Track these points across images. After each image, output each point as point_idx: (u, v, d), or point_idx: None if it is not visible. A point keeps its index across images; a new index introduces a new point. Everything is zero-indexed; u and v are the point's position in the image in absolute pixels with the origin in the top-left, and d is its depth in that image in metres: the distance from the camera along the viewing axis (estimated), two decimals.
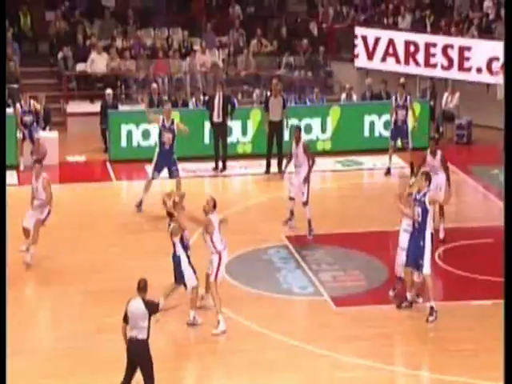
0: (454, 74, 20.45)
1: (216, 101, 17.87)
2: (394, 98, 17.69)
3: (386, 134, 18.22)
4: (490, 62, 20.06)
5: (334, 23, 23.59)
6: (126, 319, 9.21)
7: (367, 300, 12.30)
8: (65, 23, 22.62)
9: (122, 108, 20.09)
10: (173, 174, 15.56)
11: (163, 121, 15.49)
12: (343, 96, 20.08)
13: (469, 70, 20.37)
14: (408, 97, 17.73)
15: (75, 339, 10.89)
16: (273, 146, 17.84)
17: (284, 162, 17.02)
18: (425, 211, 11.57)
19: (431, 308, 11.54)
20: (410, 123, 17.71)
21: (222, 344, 11.12)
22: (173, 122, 15.54)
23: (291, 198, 14.53)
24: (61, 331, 11.27)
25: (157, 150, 15.61)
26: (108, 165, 18.43)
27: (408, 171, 17.67)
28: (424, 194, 11.65)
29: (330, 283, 12.73)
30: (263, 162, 18.30)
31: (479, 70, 20.17)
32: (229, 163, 18.15)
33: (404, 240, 11.87)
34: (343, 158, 18.35)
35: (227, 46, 22.77)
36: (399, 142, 17.68)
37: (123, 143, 18.60)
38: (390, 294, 12.20)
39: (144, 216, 15.15)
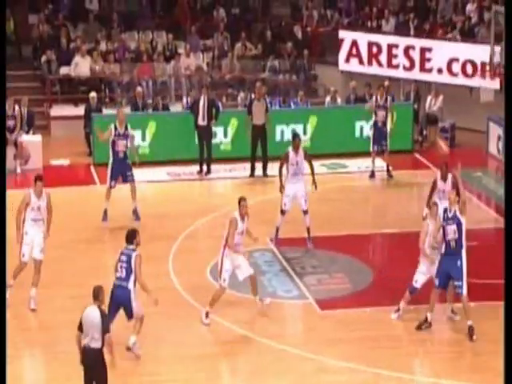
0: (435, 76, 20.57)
1: (201, 104, 17.86)
2: (374, 98, 17.71)
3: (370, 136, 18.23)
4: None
5: (319, 26, 23.64)
6: (80, 327, 9.04)
7: (352, 303, 12.32)
8: (48, 26, 22.55)
9: (106, 111, 20.04)
10: (127, 179, 15.13)
11: (116, 129, 14.98)
12: (327, 99, 20.12)
13: (452, 72, 20.48)
14: (389, 98, 17.78)
15: (67, 344, 10.80)
16: (257, 149, 17.83)
17: (267, 167, 17.11)
18: (460, 226, 11.20)
19: (470, 327, 11.21)
20: (389, 125, 17.75)
21: (207, 348, 11.10)
22: (127, 128, 15.11)
23: (283, 212, 14.07)
24: (52, 336, 11.22)
25: (110, 160, 15.04)
26: (92, 168, 18.39)
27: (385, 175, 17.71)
28: (455, 212, 11.22)
29: (315, 286, 12.75)
30: (248, 166, 18.32)
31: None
32: (213, 166, 18.14)
33: (430, 251, 11.46)
34: (328, 161, 18.38)
35: (212, 50, 22.76)
36: (379, 146, 17.67)
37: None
38: (392, 316, 11.75)
39: (127, 219, 15.09)
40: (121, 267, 10.55)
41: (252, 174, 17.80)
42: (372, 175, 17.72)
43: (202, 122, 17.91)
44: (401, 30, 22.16)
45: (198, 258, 13.67)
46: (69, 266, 13.40)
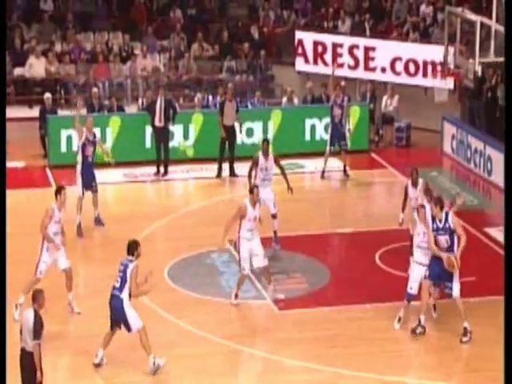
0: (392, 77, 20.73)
1: (158, 105, 17.79)
2: (332, 97, 17.77)
3: (327, 137, 18.31)
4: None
5: (275, 27, 23.71)
6: (21, 329, 8.99)
7: (309, 303, 12.38)
8: None
9: (61, 113, 19.87)
10: (93, 189, 14.98)
11: (86, 134, 14.93)
12: (284, 99, 20.19)
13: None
14: (345, 98, 17.87)
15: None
16: (225, 150, 17.78)
17: (234, 167, 17.07)
18: (452, 236, 11.13)
19: (465, 328, 11.20)
20: (347, 125, 17.84)
21: (164, 349, 11.06)
22: (95, 136, 15.06)
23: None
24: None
25: (79, 166, 14.89)
26: (47, 170, 18.22)
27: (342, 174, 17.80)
28: (446, 219, 11.11)
29: (274, 286, 12.77)
30: (205, 166, 18.30)
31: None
32: (170, 168, 18.09)
33: (419, 255, 11.43)
34: (285, 161, 18.40)
35: (168, 50, 22.69)
36: (337, 146, 17.78)
37: (63, 148, 18.39)
38: (395, 326, 11.54)
39: (87, 222, 14.98)
40: (117, 277, 10.54)
41: (219, 175, 17.71)
42: (322, 176, 17.74)
43: (158, 123, 17.85)
44: (356, 30, 22.33)
45: (156, 259, 13.61)
46: (24, 270, 13.23)
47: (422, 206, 11.65)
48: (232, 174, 17.78)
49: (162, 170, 18.00)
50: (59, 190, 12.13)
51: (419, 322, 11.40)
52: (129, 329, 10.52)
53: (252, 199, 12.10)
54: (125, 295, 10.45)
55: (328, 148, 17.70)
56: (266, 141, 14.40)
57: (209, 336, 11.34)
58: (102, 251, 14.41)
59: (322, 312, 12.05)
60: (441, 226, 11.19)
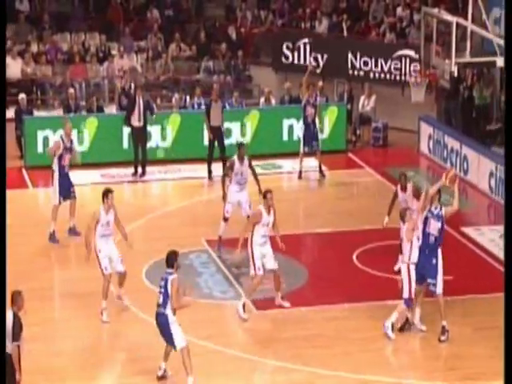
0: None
1: (136, 105, 17.73)
2: (305, 96, 17.70)
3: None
4: None
5: (253, 27, 23.72)
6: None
7: (288, 302, 12.38)
8: None
9: (37, 114, 19.75)
10: (70, 196, 14.73)
11: (63, 142, 14.66)
12: (262, 100, 20.21)
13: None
14: (318, 97, 17.89)
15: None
16: (213, 151, 17.67)
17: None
18: (443, 227, 11.25)
19: (443, 327, 11.21)
20: (318, 124, 17.71)
21: (142, 351, 11.04)
22: (72, 142, 14.87)
23: (226, 220, 13.97)
24: None
25: (56, 174, 14.61)
26: (24, 171, 18.11)
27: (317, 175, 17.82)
28: (440, 209, 11.25)
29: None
30: (183, 167, 18.27)
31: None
32: (148, 168, 18.04)
33: (415, 255, 11.37)
34: (262, 161, 18.45)
35: (145, 51, 22.63)
36: (309, 147, 17.60)
37: (39, 149, 18.29)
38: (391, 336, 11.39)
39: (60, 225, 14.90)
40: (159, 293, 10.12)
41: (210, 177, 17.57)
42: (300, 176, 17.78)
43: (137, 123, 17.79)
44: (334, 30, 22.41)
45: (134, 260, 13.56)
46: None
47: (406, 209, 11.75)
48: (210, 174, 17.75)
49: (139, 170, 17.95)
50: (106, 193, 12.03)
51: (407, 320, 11.46)
52: (174, 346, 10.13)
53: (266, 204, 11.88)
54: (169, 311, 10.05)
55: (302, 148, 17.72)
56: (241, 145, 14.39)
57: (187, 337, 11.31)
58: (79, 252, 14.32)
59: (300, 312, 12.07)
60: (435, 212, 11.31)
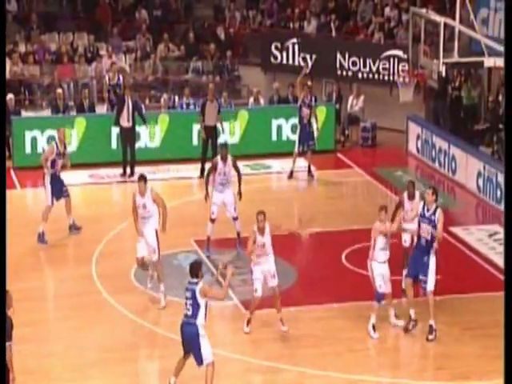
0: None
1: (125, 106, 17.70)
2: (301, 96, 17.70)
3: (294, 137, 18.36)
4: None
5: (241, 28, 23.72)
6: None
7: None
8: None
9: (25, 114, 19.69)
10: (63, 195, 14.77)
11: (57, 147, 14.65)
12: (251, 100, 20.22)
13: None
14: (313, 98, 17.91)
15: None
16: (207, 150, 17.65)
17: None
18: (435, 230, 11.26)
19: (430, 326, 11.28)
20: (315, 125, 17.91)
21: (131, 352, 11.03)
22: (66, 147, 14.90)
23: (213, 221, 13.96)
24: None
25: (47, 178, 14.62)
26: (12, 172, 18.05)
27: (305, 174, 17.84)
28: (434, 212, 11.28)
29: (240, 287, 12.79)
30: (172, 167, 18.26)
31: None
32: (137, 169, 18.01)
33: (381, 256, 11.48)
34: (251, 161, 18.46)
35: (134, 51, 22.59)
36: (305, 146, 17.82)
37: (27, 150, 18.25)
38: (373, 336, 11.48)
39: (53, 224, 14.87)
40: (186, 304, 9.89)
41: (202, 176, 17.44)
42: (290, 176, 17.82)
43: (126, 123, 17.76)
44: (322, 30, 22.45)
45: (122, 261, 13.56)
46: None
47: (382, 208, 11.69)
48: (202, 175, 17.67)
49: (128, 171, 17.92)
50: (140, 178, 12.59)
51: (410, 317, 11.49)
52: (200, 361, 9.83)
53: (257, 225, 11.58)
54: (199, 322, 9.80)
55: (297, 148, 17.74)
56: (224, 146, 14.38)
57: (175, 337, 11.31)
58: (68, 253, 14.30)
59: (288, 312, 12.08)
60: (427, 214, 11.36)
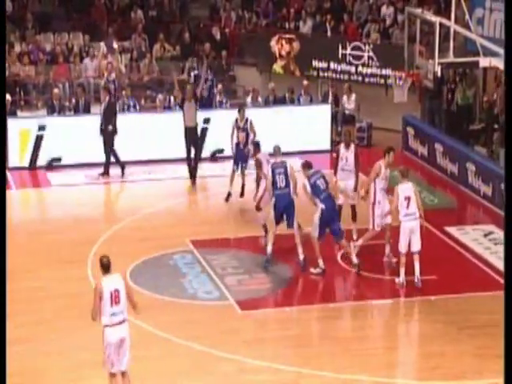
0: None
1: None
2: (235, 119, 16.19)
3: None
4: None
5: (237, 28, 23.72)
6: None
7: (272, 303, 12.42)
8: None
9: (21, 114, 19.66)
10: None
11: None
12: (249, 99, 20.18)
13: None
14: (249, 120, 16.22)
15: None
16: (191, 152, 17.31)
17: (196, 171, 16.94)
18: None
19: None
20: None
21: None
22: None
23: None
24: None
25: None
26: (7, 172, 18.02)
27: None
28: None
29: (236, 287, 12.80)
30: (167, 167, 18.24)
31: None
32: (133, 169, 17.99)
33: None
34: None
35: (130, 51, 22.58)
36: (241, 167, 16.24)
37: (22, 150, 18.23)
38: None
39: (48, 224, 14.87)
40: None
41: (191, 177, 17.29)
42: (227, 198, 16.18)
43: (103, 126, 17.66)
44: (318, 30, 22.44)
45: (118, 261, 13.48)
46: None
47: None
48: (191, 177, 17.28)
49: (119, 171, 17.74)
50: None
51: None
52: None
53: (386, 162, 13.64)
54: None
55: (232, 169, 16.27)
56: (348, 132, 15.71)
57: (172, 338, 11.31)
58: (64, 253, 14.28)
59: (284, 312, 12.09)
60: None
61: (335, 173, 14.24)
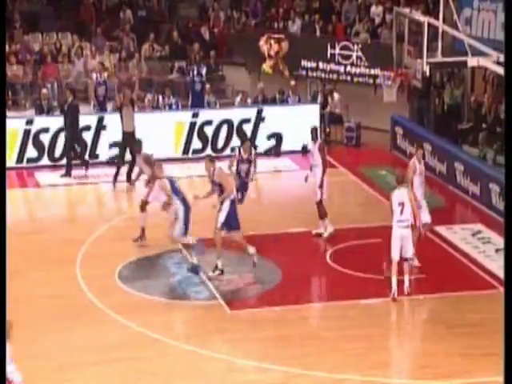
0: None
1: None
2: (237, 150, 15.83)
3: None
4: None
5: (225, 28, 23.71)
6: None
7: (261, 302, 12.41)
8: None
9: (9, 114, 19.56)
10: None
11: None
12: (238, 99, 20.18)
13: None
14: (254, 152, 15.72)
15: None
16: (124, 156, 17.01)
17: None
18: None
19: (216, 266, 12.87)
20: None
21: (116, 352, 10.99)
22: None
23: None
24: None
25: None
26: None
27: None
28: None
29: (225, 287, 12.79)
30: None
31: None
32: (122, 169, 17.89)
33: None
34: None
35: (118, 51, 22.53)
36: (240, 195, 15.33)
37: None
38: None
39: (40, 223, 14.83)
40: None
41: (129, 180, 16.86)
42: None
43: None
44: (306, 30, 22.47)
45: (107, 261, 13.52)
46: None
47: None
48: (128, 179, 16.95)
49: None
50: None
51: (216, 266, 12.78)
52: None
53: (418, 157, 13.79)
54: None
55: None
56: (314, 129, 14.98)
57: (161, 338, 11.30)
58: (52, 254, 14.24)
59: (274, 312, 12.08)
60: None
61: (310, 169, 14.71)
